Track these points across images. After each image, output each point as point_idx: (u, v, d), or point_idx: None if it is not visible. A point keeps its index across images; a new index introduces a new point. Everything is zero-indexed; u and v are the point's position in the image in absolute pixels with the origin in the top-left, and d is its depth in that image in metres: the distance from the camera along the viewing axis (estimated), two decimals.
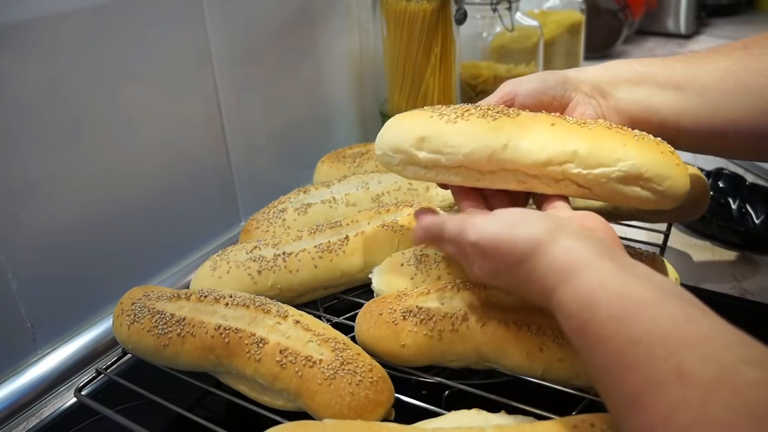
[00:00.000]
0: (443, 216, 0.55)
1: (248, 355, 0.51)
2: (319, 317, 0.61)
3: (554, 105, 0.57)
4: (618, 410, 0.35)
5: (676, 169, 0.51)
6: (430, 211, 0.59)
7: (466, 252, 0.48)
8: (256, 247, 0.66)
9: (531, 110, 0.56)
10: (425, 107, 0.56)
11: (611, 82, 0.57)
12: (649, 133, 0.54)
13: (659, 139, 0.53)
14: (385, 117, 1.00)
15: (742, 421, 0.29)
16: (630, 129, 0.53)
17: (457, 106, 0.55)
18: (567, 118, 0.54)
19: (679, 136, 0.55)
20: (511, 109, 0.54)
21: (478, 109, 0.53)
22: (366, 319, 0.56)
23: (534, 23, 1.08)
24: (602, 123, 0.54)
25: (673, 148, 0.53)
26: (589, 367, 0.38)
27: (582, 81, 0.57)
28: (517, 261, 0.43)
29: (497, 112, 0.53)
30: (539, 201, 0.55)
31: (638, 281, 0.38)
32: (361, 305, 0.59)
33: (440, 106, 0.55)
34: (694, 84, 0.54)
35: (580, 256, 0.41)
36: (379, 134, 0.55)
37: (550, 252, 0.42)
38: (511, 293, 0.51)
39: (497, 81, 1.04)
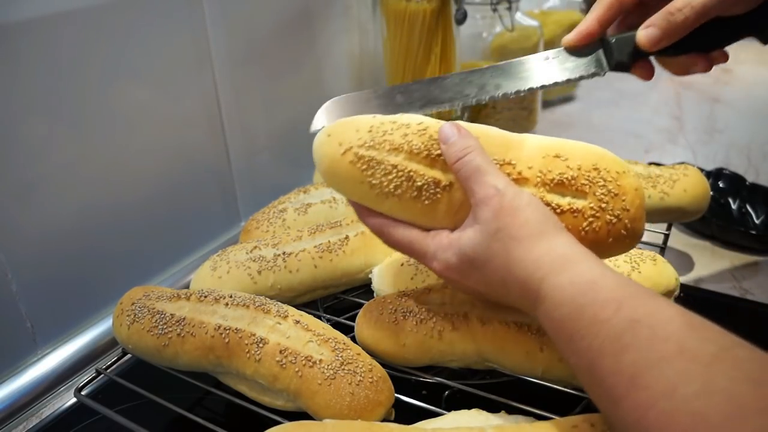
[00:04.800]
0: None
1: (248, 355, 0.51)
2: (319, 317, 0.61)
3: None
4: (612, 395, 0.34)
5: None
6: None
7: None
8: (256, 247, 0.66)
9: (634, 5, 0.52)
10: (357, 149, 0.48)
11: None
12: None
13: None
14: None
15: (745, 387, 0.30)
16: None
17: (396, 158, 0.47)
18: None
19: None
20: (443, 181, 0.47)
21: (413, 183, 0.47)
22: (366, 319, 0.56)
23: (534, 23, 1.08)
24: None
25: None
26: (578, 354, 0.37)
27: None
28: (522, 237, 0.42)
29: (435, 191, 0.47)
30: None
31: (632, 280, 0.39)
32: (361, 305, 0.59)
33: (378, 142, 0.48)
34: None
35: (578, 250, 0.41)
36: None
37: (552, 240, 0.42)
38: (478, 287, 0.46)
39: None
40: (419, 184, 0.46)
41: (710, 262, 0.78)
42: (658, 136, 1.18)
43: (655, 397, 0.32)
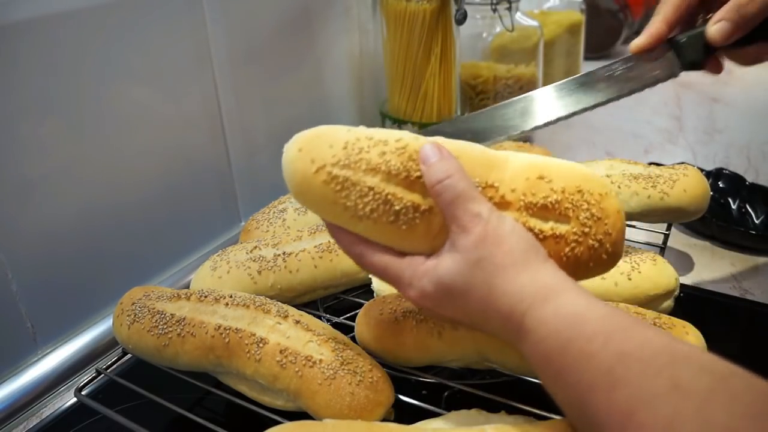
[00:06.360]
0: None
1: (248, 355, 0.51)
2: (319, 317, 0.61)
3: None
4: (606, 430, 0.33)
5: None
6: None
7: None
8: (256, 247, 0.66)
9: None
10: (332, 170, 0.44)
11: None
12: None
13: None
14: (385, 117, 1.00)
15: (743, 423, 0.29)
16: None
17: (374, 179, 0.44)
18: None
19: None
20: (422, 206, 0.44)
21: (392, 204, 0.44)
22: (366, 319, 0.56)
23: (534, 23, 1.08)
24: None
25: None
26: (567, 390, 0.36)
27: None
28: (501, 266, 0.40)
29: (413, 215, 0.44)
30: None
31: (619, 309, 0.38)
32: (361, 305, 0.59)
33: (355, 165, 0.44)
34: None
35: (563, 279, 0.40)
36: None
37: (536, 270, 0.40)
38: (455, 316, 0.44)
39: (497, 81, 1.04)
40: (397, 208, 0.43)
41: (710, 262, 0.78)
42: (658, 136, 1.18)
43: None
